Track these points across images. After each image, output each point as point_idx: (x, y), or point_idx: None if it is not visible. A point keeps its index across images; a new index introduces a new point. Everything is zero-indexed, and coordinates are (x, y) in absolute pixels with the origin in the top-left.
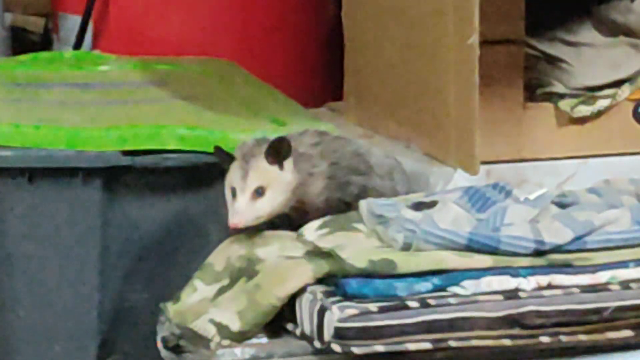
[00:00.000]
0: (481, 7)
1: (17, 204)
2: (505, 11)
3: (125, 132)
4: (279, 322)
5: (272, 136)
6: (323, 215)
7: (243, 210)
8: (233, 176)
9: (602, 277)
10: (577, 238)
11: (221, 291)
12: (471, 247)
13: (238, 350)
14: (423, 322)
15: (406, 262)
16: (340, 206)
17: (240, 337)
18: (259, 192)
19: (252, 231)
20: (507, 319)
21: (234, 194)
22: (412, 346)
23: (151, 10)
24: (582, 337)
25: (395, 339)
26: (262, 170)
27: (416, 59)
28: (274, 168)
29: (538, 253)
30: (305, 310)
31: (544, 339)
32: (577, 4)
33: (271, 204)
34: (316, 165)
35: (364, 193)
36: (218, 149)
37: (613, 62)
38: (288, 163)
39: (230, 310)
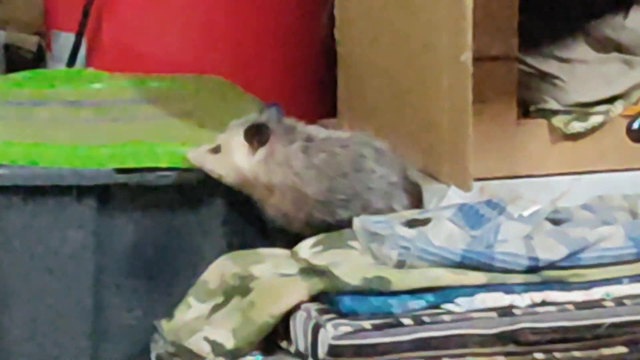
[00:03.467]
0: (474, 23)
1: (10, 221)
2: (499, 28)
3: (118, 149)
4: (273, 339)
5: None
6: (305, 228)
7: (197, 151)
8: None
9: (596, 293)
10: (571, 254)
11: (215, 309)
12: (465, 264)
13: None
14: (417, 339)
15: (400, 280)
16: (323, 226)
17: (234, 355)
18: (216, 150)
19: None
20: (501, 335)
21: None
22: None
23: (144, 27)
24: (577, 354)
25: (390, 357)
26: (231, 139)
27: (409, 76)
28: (244, 147)
29: (532, 270)
30: (299, 328)
31: (539, 356)
32: (570, 20)
33: (215, 164)
34: (295, 185)
35: (349, 220)
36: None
37: (606, 78)
38: (260, 153)
39: (225, 328)
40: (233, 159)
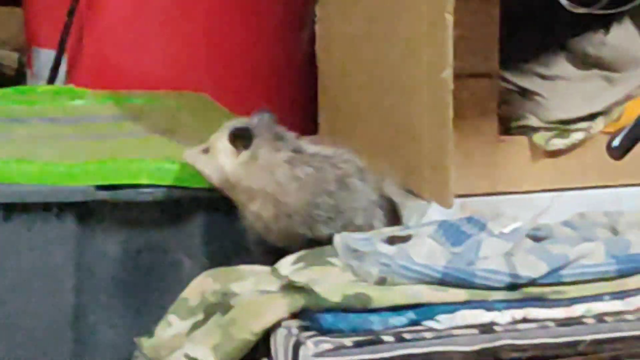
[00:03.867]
0: (455, 40)
1: None
2: (480, 44)
3: (99, 166)
4: (253, 356)
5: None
6: (284, 240)
7: (191, 151)
8: None
9: (576, 310)
10: (552, 271)
11: (196, 326)
12: (446, 281)
13: None
14: (398, 356)
15: (381, 297)
16: (303, 240)
17: None
18: (205, 151)
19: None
20: (482, 352)
21: None
22: None
23: (125, 44)
24: None
25: None
26: (218, 141)
27: (390, 93)
28: (228, 149)
29: (513, 287)
30: (280, 345)
31: None
32: (551, 37)
33: (203, 164)
34: (275, 194)
35: (329, 237)
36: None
37: (587, 95)
38: (244, 156)
39: (205, 345)
40: (218, 159)
